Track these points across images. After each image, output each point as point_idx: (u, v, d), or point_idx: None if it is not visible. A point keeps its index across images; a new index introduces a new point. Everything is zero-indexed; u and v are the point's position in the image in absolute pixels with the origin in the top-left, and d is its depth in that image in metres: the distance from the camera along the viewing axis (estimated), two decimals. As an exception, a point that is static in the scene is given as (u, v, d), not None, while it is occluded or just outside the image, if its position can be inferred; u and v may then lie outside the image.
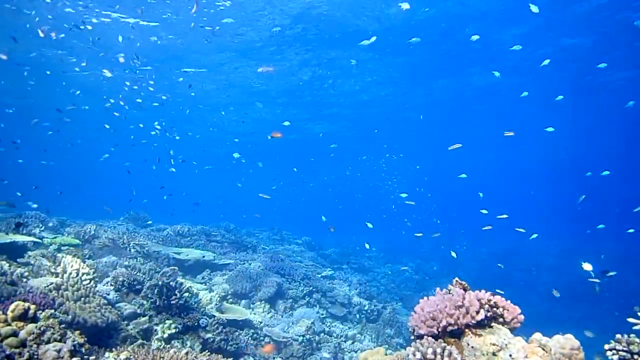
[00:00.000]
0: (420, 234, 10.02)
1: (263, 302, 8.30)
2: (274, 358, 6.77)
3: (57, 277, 5.47)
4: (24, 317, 3.38)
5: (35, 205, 10.05)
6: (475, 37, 11.37)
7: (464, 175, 12.92)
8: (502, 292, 3.38)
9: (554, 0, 11.39)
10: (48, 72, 16.98)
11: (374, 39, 11.16)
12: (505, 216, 9.63)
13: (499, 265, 14.30)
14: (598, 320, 12.21)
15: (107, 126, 19.72)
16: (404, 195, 12.51)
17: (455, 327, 2.88)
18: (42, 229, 8.38)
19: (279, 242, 15.79)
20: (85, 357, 3.52)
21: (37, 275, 5.51)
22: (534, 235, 11.02)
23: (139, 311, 5.71)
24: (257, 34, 13.77)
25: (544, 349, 2.63)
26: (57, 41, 13.84)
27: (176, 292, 5.80)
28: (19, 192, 12.97)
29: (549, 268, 18.34)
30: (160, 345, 5.25)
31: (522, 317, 3.00)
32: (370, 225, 11.78)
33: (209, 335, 5.76)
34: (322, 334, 8.02)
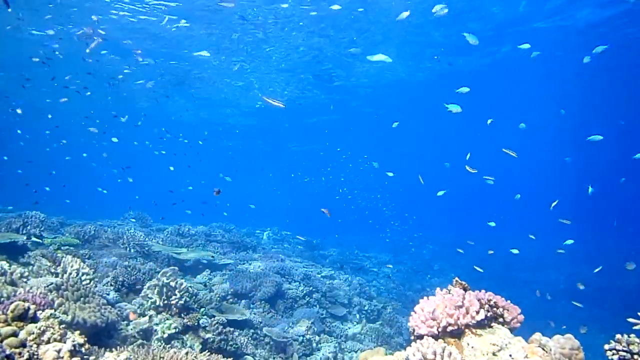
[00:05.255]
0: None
1: (263, 302, 8.30)
2: (274, 358, 6.77)
3: (57, 277, 5.46)
4: (24, 317, 3.38)
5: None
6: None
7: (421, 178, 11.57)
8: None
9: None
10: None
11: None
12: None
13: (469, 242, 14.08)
14: (598, 320, 12.20)
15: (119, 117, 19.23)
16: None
17: (455, 327, 2.88)
18: (42, 229, 8.37)
19: (279, 242, 15.78)
20: (85, 357, 3.52)
21: (37, 275, 5.51)
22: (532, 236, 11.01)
23: (139, 311, 5.71)
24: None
25: (544, 349, 2.63)
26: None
27: (176, 292, 5.80)
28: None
29: (549, 268, 18.33)
30: (160, 345, 5.25)
31: (522, 317, 3.00)
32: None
33: (209, 335, 5.76)
34: (322, 334, 8.02)
